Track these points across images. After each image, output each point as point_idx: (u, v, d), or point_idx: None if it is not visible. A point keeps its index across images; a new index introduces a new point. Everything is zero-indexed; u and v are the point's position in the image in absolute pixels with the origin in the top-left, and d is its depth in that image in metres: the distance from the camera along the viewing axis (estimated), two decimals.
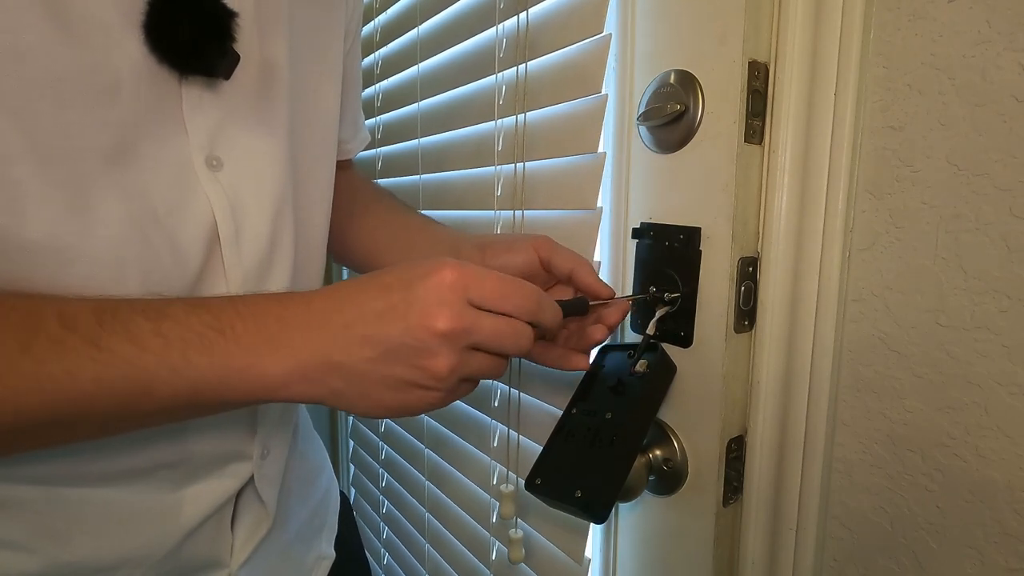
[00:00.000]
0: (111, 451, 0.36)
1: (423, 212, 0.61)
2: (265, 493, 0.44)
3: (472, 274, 0.32)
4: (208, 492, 0.41)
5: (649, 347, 0.45)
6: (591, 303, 0.42)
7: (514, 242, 0.46)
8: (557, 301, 0.38)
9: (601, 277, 0.46)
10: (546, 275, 0.46)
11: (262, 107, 0.39)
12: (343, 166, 0.57)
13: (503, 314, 0.33)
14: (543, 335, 0.41)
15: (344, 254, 0.58)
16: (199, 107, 0.35)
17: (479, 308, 0.32)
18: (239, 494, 0.43)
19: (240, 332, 0.30)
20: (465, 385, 0.35)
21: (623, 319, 0.43)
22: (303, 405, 0.55)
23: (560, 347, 0.44)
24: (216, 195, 0.36)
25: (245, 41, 0.36)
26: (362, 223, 0.57)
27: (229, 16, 0.34)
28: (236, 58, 0.35)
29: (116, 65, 0.31)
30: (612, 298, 0.44)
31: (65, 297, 0.29)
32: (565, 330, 0.45)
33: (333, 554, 0.57)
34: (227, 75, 0.35)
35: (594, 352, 0.47)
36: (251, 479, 0.43)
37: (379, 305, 0.31)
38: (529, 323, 0.35)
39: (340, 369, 0.31)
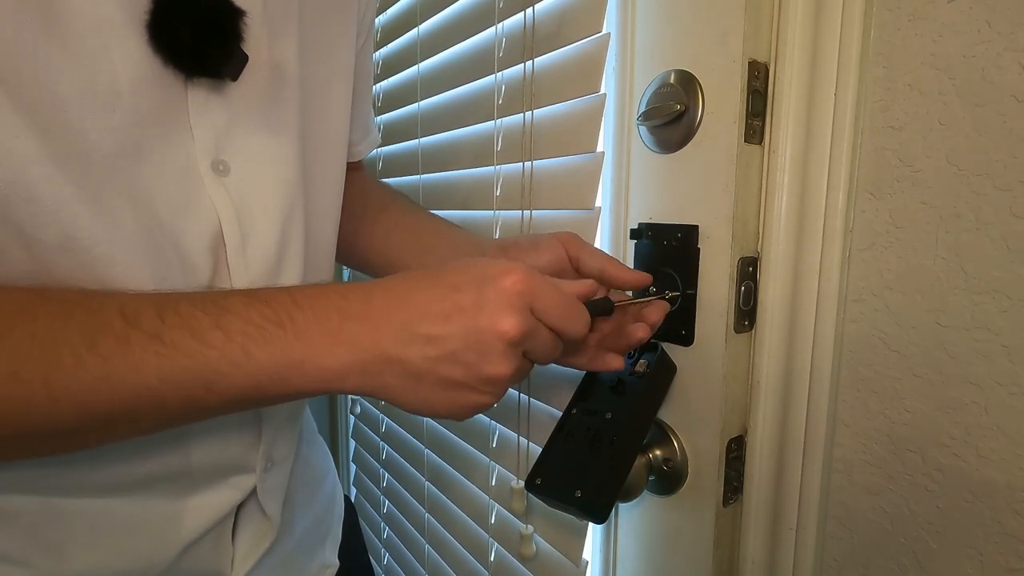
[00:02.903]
0: (110, 462, 0.35)
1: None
2: (268, 505, 0.43)
3: (540, 284, 0.32)
4: (209, 504, 0.40)
5: (649, 347, 0.45)
6: (616, 304, 0.41)
7: (539, 241, 0.45)
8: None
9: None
10: (574, 273, 0.45)
11: (271, 109, 0.38)
12: (352, 168, 0.55)
13: (553, 330, 0.33)
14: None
15: (353, 257, 0.57)
16: (205, 110, 0.34)
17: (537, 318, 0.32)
18: (241, 505, 0.42)
19: (300, 324, 0.30)
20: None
21: (663, 316, 0.43)
22: (308, 410, 0.54)
23: (592, 348, 0.43)
24: (222, 201, 0.35)
25: (253, 41, 0.35)
26: (374, 227, 0.56)
27: (236, 15, 0.33)
28: (244, 59, 0.34)
29: (116, 67, 0.30)
30: (649, 284, 0.43)
31: (125, 293, 0.29)
32: (597, 332, 0.44)
33: (337, 562, 0.56)
34: (235, 76, 0.34)
35: None
36: (254, 490, 0.42)
37: (446, 306, 0.31)
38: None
39: (397, 364, 0.31)
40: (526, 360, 0.34)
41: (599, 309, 0.39)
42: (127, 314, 0.28)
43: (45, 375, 0.26)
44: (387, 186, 0.62)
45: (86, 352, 0.27)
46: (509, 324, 0.30)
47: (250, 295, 0.30)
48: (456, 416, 0.34)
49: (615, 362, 0.42)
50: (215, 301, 0.30)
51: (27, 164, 0.28)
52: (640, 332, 0.41)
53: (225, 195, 0.36)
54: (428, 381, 0.31)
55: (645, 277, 0.43)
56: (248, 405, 0.32)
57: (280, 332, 0.29)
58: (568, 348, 0.36)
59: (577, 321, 0.34)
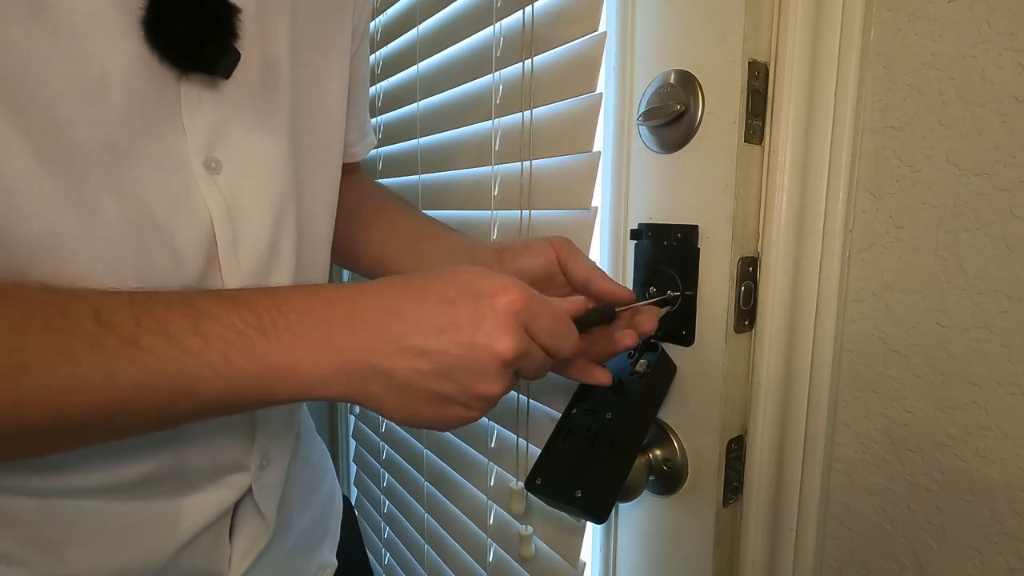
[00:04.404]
0: (106, 463, 0.35)
1: (426, 213, 0.61)
2: (264, 504, 0.43)
3: (536, 304, 0.32)
4: (205, 503, 0.40)
5: (649, 347, 0.45)
6: (618, 309, 0.41)
7: (531, 244, 0.46)
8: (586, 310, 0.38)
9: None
10: (563, 279, 0.45)
11: (263, 107, 0.37)
12: (349, 170, 0.55)
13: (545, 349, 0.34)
14: None
15: (350, 259, 0.57)
16: (198, 107, 0.34)
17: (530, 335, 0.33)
18: (238, 504, 0.42)
19: (283, 331, 0.29)
20: None
21: (654, 329, 0.43)
22: (306, 410, 0.54)
23: (580, 360, 0.43)
24: (214, 199, 0.35)
25: (246, 38, 0.35)
26: (371, 230, 0.56)
27: (231, 12, 0.33)
28: (237, 56, 0.34)
29: (107, 61, 0.30)
30: (634, 303, 0.43)
31: (99, 292, 0.28)
32: (588, 335, 0.43)
33: (335, 563, 0.56)
34: (227, 74, 0.34)
35: None
36: (250, 489, 0.42)
37: (441, 321, 0.31)
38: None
39: (385, 376, 0.30)
40: (515, 377, 0.34)
41: (602, 317, 0.40)
42: (101, 316, 0.27)
43: (12, 379, 0.25)
44: (383, 188, 0.62)
45: (56, 356, 0.26)
46: (505, 344, 0.30)
47: (231, 298, 0.30)
48: (440, 428, 0.34)
49: (603, 376, 0.42)
50: (193, 304, 0.29)
51: (8, 156, 0.28)
52: (627, 340, 0.41)
53: (217, 193, 0.35)
54: (416, 394, 0.31)
55: (628, 293, 0.43)
56: (228, 411, 0.31)
57: (263, 339, 0.29)
58: (556, 363, 0.37)
59: (568, 340, 0.35)
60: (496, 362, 0.31)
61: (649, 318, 0.43)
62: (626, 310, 0.42)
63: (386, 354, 0.30)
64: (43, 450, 0.30)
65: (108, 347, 0.26)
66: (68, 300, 0.27)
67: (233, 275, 0.37)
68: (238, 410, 0.32)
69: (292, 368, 0.29)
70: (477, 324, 0.30)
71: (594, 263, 0.45)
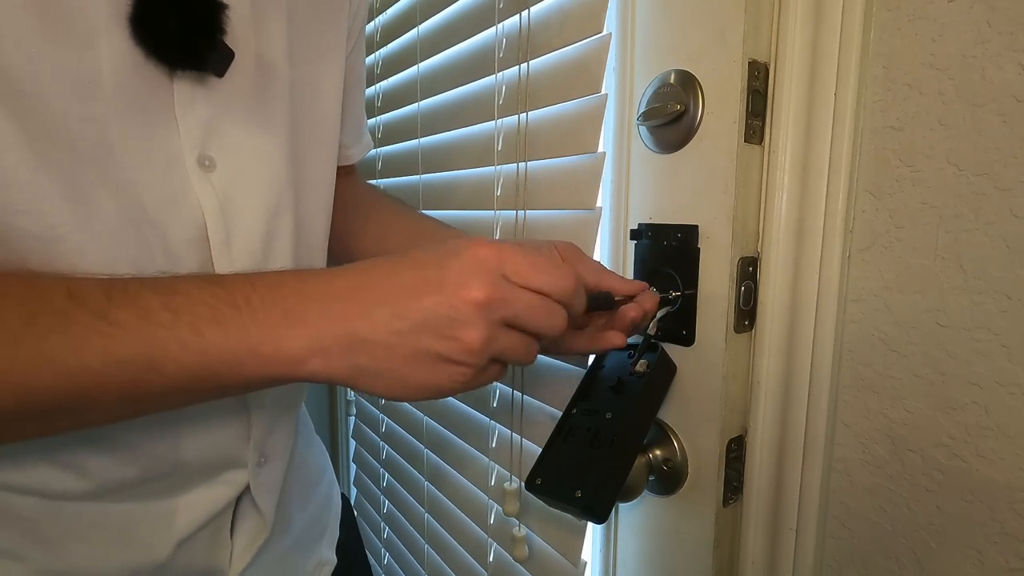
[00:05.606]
0: (103, 459, 0.35)
1: (425, 212, 0.61)
2: (262, 501, 0.43)
3: (506, 250, 0.31)
4: (203, 500, 0.40)
5: (649, 347, 0.45)
6: (617, 298, 0.41)
7: (540, 248, 0.45)
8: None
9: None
10: None
11: (258, 106, 0.38)
12: (345, 172, 0.56)
13: (538, 291, 0.32)
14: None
15: (346, 259, 0.57)
16: (191, 104, 0.34)
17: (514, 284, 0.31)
18: (238, 501, 0.43)
19: (256, 306, 0.29)
20: (494, 367, 0.33)
21: (657, 308, 0.43)
22: (305, 410, 0.55)
23: (591, 331, 0.42)
24: (207, 196, 0.35)
25: (240, 37, 0.35)
26: (367, 229, 0.56)
27: (219, 8, 0.33)
28: (231, 55, 0.34)
29: (98, 58, 0.30)
30: (645, 290, 0.43)
31: (76, 276, 0.28)
32: (592, 326, 0.43)
33: (334, 559, 0.56)
34: (220, 72, 0.34)
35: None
36: (248, 487, 0.42)
37: (410, 279, 0.30)
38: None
39: (365, 344, 0.30)
40: (517, 332, 0.32)
41: (600, 303, 0.40)
42: (73, 293, 0.27)
43: None
44: (379, 190, 0.63)
45: (23, 329, 0.25)
46: (476, 287, 0.30)
47: (207, 279, 0.30)
48: (435, 394, 0.32)
49: (616, 339, 0.41)
50: (168, 283, 0.29)
51: (4, 149, 0.28)
52: (632, 312, 0.41)
53: (210, 190, 0.36)
54: (400, 357, 0.30)
55: (639, 285, 0.43)
56: (203, 394, 0.30)
57: (235, 313, 0.28)
58: (569, 318, 0.35)
59: (557, 275, 0.32)
60: (469, 306, 0.30)
61: (650, 297, 0.43)
62: (626, 299, 0.42)
63: (362, 320, 0.30)
64: (15, 433, 0.30)
65: (77, 321, 0.26)
66: (43, 279, 0.27)
67: (227, 272, 0.37)
68: (213, 392, 0.31)
69: (264, 342, 0.28)
70: (445, 276, 0.30)
71: (601, 264, 0.45)
